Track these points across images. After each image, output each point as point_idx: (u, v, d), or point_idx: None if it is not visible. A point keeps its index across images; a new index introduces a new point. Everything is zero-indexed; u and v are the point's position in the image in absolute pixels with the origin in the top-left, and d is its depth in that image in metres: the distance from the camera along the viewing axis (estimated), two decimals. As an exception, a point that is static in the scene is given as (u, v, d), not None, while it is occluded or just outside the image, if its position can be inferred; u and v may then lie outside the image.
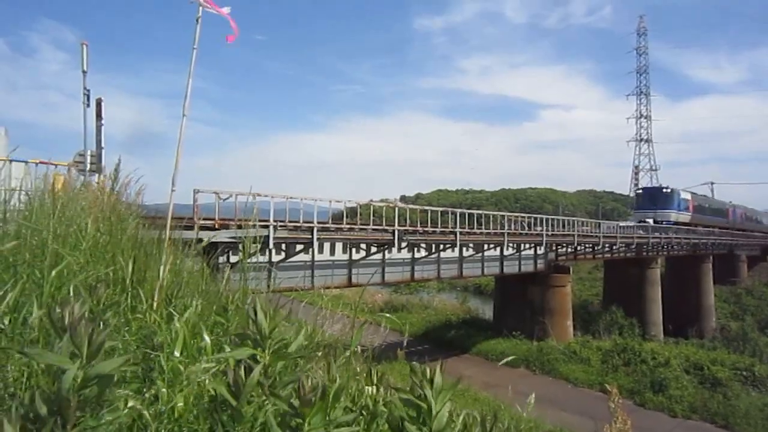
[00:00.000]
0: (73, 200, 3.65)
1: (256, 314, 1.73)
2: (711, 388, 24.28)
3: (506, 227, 25.46)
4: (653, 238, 38.37)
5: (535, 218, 29.17)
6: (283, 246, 15.99)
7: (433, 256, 22.89)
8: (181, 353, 1.95)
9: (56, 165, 7.51)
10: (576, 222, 30.86)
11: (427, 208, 23.14)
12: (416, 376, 1.67)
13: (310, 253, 16.89)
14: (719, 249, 50.34)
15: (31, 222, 2.89)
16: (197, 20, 3.70)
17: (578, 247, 31.85)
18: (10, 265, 2.41)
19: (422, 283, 41.72)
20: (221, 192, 14.35)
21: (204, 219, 12.83)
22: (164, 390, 1.76)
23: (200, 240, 3.87)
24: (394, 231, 18.79)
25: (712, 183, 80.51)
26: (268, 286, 3.60)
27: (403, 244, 19.81)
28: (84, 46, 10.92)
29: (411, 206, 23.18)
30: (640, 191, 55.08)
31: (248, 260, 3.21)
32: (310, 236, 15.76)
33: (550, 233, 28.41)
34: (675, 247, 42.32)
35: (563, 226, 30.66)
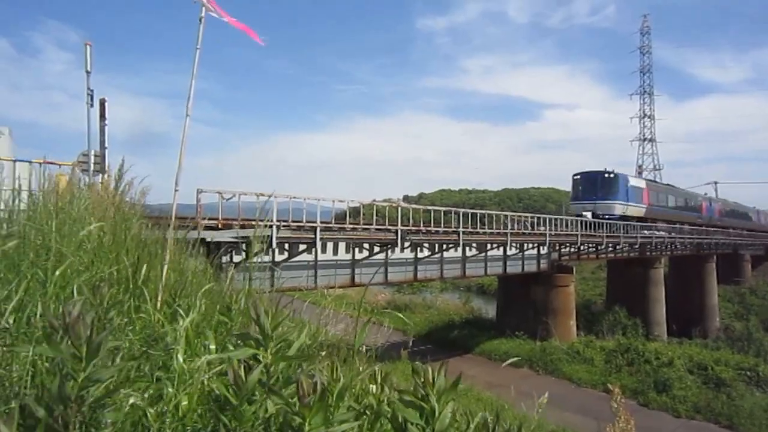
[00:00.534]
0: (77, 200, 3.66)
1: (258, 314, 1.73)
2: (715, 388, 24.22)
3: (509, 227, 25.44)
4: (657, 237, 38.27)
5: (538, 218, 29.12)
6: (287, 246, 16.01)
7: (436, 255, 22.88)
8: (185, 352, 1.95)
9: (60, 165, 7.52)
10: (579, 222, 30.79)
11: (430, 207, 23.17)
12: (419, 376, 1.67)
13: (313, 252, 16.90)
14: (723, 249, 50.14)
15: (35, 222, 2.90)
16: (200, 20, 3.70)
17: (581, 247, 31.79)
18: (15, 264, 2.42)
19: (425, 282, 41.68)
20: (224, 192, 14.37)
21: (207, 219, 12.87)
22: (168, 389, 1.77)
23: (204, 240, 3.89)
24: (397, 231, 18.79)
25: (716, 182, 79.92)
26: (272, 286, 3.60)
27: (406, 244, 19.80)
28: (88, 47, 10.93)
29: (414, 206, 23.17)
30: (578, 177, 40.99)
31: (251, 260, 3.22)
32: (313, 236, 15.78)
33: (553, 233, 28.36)
34: (678, 246, 42.22)
35: (566, 226, 30.61)
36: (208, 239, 11.45)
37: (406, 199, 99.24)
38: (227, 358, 1.80)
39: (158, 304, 2.55)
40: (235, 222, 13.84)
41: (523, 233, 26.92)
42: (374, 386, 2.20)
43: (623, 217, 37.72)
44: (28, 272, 2.32)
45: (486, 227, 24.34)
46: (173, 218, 3.42)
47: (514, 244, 26.25)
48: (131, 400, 1.57)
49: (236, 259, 12.83)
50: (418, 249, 21.88)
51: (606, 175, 39.30)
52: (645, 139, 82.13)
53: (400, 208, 19.95)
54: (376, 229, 18.70)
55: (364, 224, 19.28)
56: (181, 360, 1.88)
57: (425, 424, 1.60)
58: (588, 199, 38.84)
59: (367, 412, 1.92)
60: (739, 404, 22.29)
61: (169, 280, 2.86)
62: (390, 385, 2.24)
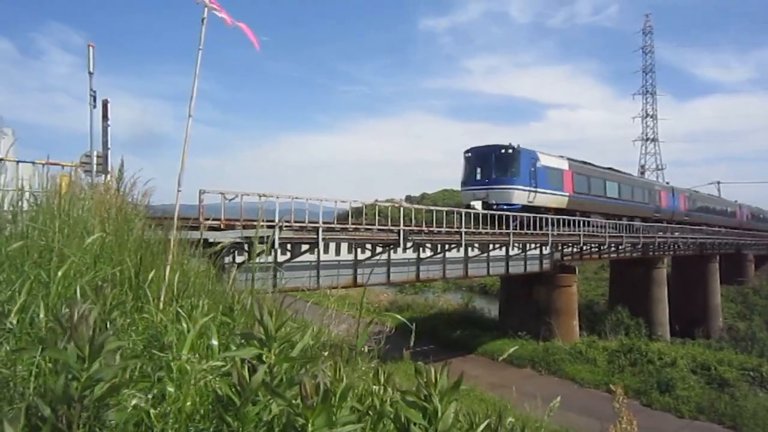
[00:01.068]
0: (80, 200, 3.66)
1: (262, 314, 1.73)
2: (718, 389, 24.12)
3: (511, 227, 25.36)
4: (660, 237, 38.13)
5: (541, 218, 29.05)
6: (289, 246, 16.01)
7: (438, 256, 22.85)
8: (188, 353, 1.95)
9: (63, 166, 7.54)
10: (581, 222, 30.69)
11: (432, 208, 23.11)
12: (422, 377, 1.67)
13: (316, 253, 16.91)
14: (726, 248, 49.97)
15: (38, 223, 2.91)
16: (202, 21, 3.71)
17: (584, 247, 31.73)
18: (18, 265, 2.43)
19: (427, 283, 41.67)
20: (227, 192, 14.39)
21: (210, 219, 12.87)
22: (171, 389, 1.77)
23: (206, 240, 3.89)
24: (399, 231, 18.77)
25: (719, 182, 79.70)
26: (274, 286, 3.60)
27: (409, 244, 19.78)
28: (91, 48, 10.96)
29: (416, 206, 23.13)
30: (468, 154, 30.39)
31: (254, 260, 3.22)
32: (315, 236, 15.78)
33: (555, 233, 28.29)
34: (681, 246, 42.08)
35: (569, 226, 30.53)
36: (211, 240, 11.45)
37: (408, 199, 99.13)
38: (232, 359, 1.80)
39: (161, 305, 2.56)
40: (237, 222, 13.86)
41: (526, 233, 26.86)
42: (377, 387, 2.20)
43: (529, 209, 27.91)
44: (32, 273, 2.33)
45: (488, 227, 24.30)
46: (176, 219, 3.43)
47: (516, 245, 26.20)
48: (134, 401, 1.57)
49: (239, 259, 12.84)
50: (421, 249, 21.85)
51: (503, 151, 28.41)
52: (648, 139, 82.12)
53: (402, 209, 19.94)
54: (379, 230, 18.68)
55: (367, 224, 19.26)
56: (184, 360, 1.88)
57: (428, 424, 1.60)
58: (479, 183, 28.60)
59: (370, 413, 1.92)
60: (743, 405, 22.20)
61: (172, 281, 2.87)
62: (393, 385, 2.24)
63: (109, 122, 11.01)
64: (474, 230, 22.98)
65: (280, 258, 15.66)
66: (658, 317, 36.63)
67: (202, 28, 3.70)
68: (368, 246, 19.35)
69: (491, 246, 25.05)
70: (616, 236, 33.22)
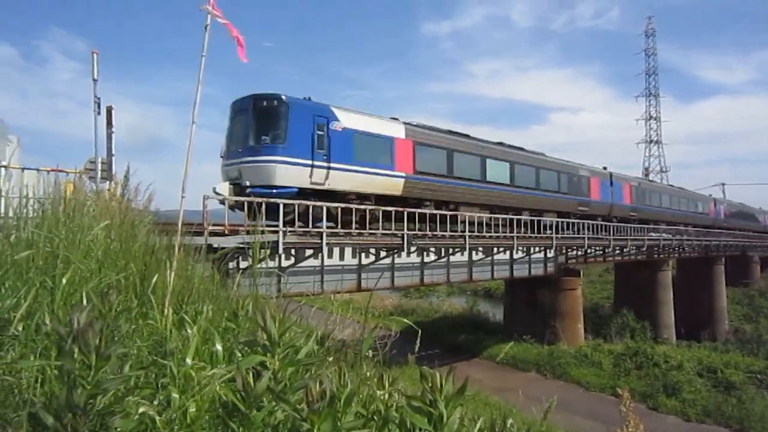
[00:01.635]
0: (85, 207, 3.67)
1: (265, 320, 1.73)
2: (725, 392, 24.00)
3: (515, 230, 25.28)
4: (664, 239, 37.89)
5: (545, 221, 28.93)
6: (293, 251, 16.00)
7: (442, 260, 22.82)
8: (193, 359, 1.95)
9: (67, 173, 7.57)
10: (586, 225, 30.57)
11: (435, 212, 23.05)
12: (427, 381, 1.66)
13: (320, 258, 16.89)
14: (731, 250, 49.71)
15: (43, 229, 2.92)
16: (206, 28, 3.73)
17: (588, 250, 31.61)
18: (23, 272, 2.43)
19: (432, 287, 41.59)
20: (230, 198, 14.45)
21: (213, 225, 12.88)
22: (176, 396, 1.77)
23: (210, 246, 3.89)
24: (403, 235, 18.75)
25: (724, 184, 79.37)
26: (279, 291, 3.60)
27: (413, 249, 19.76)
28: (94, 55, 11.01)
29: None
30: (230, 112, 17.99)
31: (258, 265, 3.22)
32: (319, 241, 15.77)
33: (559, 236, 28.21)
34: (686, 248, 41.80)
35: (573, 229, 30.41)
36: (215, 245, 11.46)
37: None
38: (236, 365, 1.80)
39: (165, 311, 2.56)
40: (241, 228, 13.86)
41: (530, 237, 26.79)
42: (382, 391, 2.19)
43: (319, 193, 17.01)
44: (37, 279, 2.33)
45: (492, 231, 24.24)
46: (180, 225, 3.43)
47: (520, 248, 26.13)
48: (141, 409, 1.57)
49: (243, 264, 12.84)
50: (425, 253, 21.84)
51: (265, 103, 16.99)
52: (651, 141, 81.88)
53: (406, 213, 19.90)
54: (383, 234, 18.67)
55: (370, 229, 19.24)
56: (189, 366, 1.88)
57: (433, 429, 1.60)
58: (233, 155, 16.92)
59: (375, 418, 1.91)
60: (750, 407, 22.06)
61: (177, 287, 2.87)
62: (398, 390, 2.24)
63: (113, 129, 11.07)
64: (478, 233, 22.93)
65: (285, 263, 15.65)
66: (663, 320, 36.44)
67: (206, 35, 3.72)
68: (372, 250, 19.33)
69: (495, 249, 25.00)
70: (620, 239, 33.06)
